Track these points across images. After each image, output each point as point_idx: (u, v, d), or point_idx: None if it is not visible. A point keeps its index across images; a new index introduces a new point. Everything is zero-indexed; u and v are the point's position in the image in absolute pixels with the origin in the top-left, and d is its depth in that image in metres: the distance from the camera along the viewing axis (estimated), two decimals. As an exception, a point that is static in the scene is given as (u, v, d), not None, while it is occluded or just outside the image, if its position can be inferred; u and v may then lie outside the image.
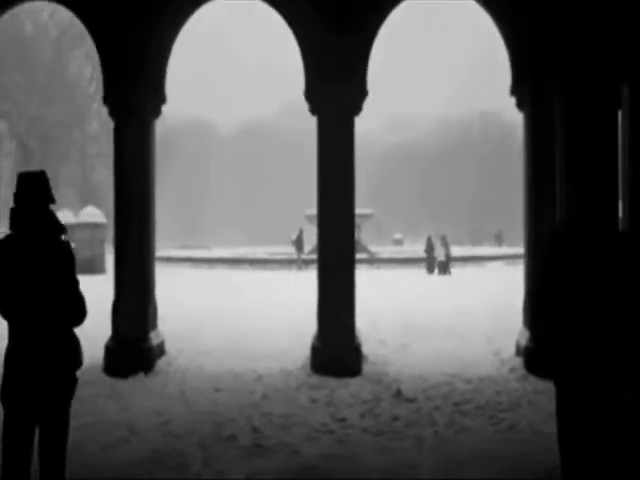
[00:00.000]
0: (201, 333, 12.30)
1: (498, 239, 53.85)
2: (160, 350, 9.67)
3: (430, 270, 29.85)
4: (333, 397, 7.81)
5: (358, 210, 36.81)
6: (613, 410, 4.07)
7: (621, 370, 4.01)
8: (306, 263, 32.22)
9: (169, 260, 38.13)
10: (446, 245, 30.20)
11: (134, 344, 9.20)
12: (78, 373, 4.35)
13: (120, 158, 9.14)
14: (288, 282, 24.65)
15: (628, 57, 8.07)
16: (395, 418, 7.00)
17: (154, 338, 9.48)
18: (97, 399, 7.99)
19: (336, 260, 9.06)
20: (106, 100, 9.15)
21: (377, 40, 9.01)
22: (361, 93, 9.07)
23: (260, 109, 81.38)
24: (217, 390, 8.27)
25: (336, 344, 8.88)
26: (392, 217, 73.72)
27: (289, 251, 36.85)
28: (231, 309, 15.96)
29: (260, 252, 41.30)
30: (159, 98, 9.56)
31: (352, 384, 8.36)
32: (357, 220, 41.19)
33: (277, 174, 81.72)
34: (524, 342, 9.06)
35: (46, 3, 11.63)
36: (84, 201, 58.26)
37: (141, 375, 9.03)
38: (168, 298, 18.58)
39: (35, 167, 49.99)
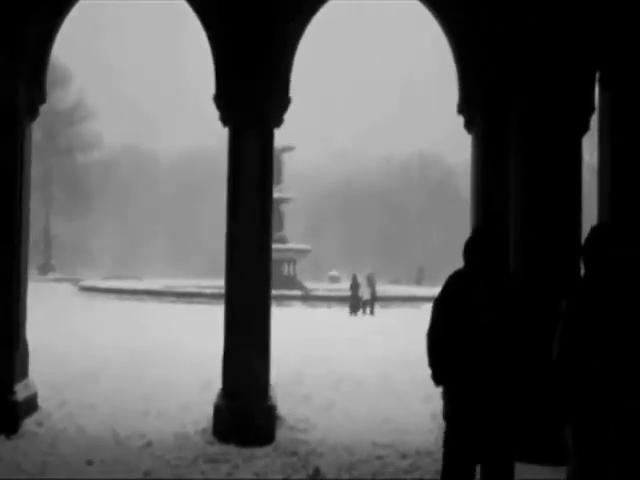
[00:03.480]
0: (94, 380, 10.48)
1: (419, 277, 52.52)
2: (30, 405, 7.86)
3: (354, 310, 27.79)
4: (234, 476, 6.18)
5: (294, 245, 35.30)
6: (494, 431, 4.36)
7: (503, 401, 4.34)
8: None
9: (89, 290, 35.91)
10: (372, 284, 28.31)
11: (-6, 398, 7.39)
12: None
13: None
14: (211, 318, 22.82)
15: (600, 59, 6.88)
16: (309, 511, 5.42)
17: (21, 391, 7.67)
18: None
19: (249, 298, 7.49)
20: None
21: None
22: (283, 99, 7.65)
23: (201, 137, 79.60)
24: (90, 463, 6.54)
25: (244, 404, 7.25)
26: (330, 254, 72.42)
27: (218, 284, 34.94)
28: (139, 349, 14.12)
29: (191, 285, 39.09)
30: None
31: (261, 456, 6.74)
32: (293, 255, 39.65)
33: (215, 204, 79.71)
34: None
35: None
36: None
37: (1, 438, 7.24)
38: (72, 334, 16.80)
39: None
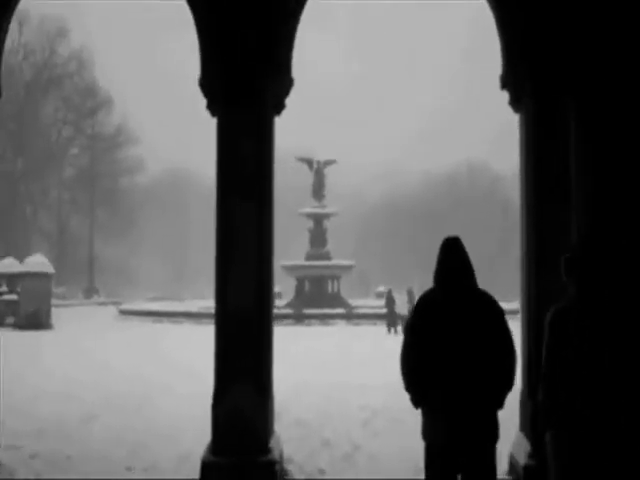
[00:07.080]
0: (87, 420, 9.08)
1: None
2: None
3: (390, 329, 25.31)
4: None
5: (337, 261, 33.22)
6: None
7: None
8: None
9: (129, 313, 34.92)
10: (412, 298, 25.55)
11: None
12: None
13: None
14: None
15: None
16: None
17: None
18: None
19: (244, 322, 5.99)
20: None
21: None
22: (285, 81, 6.17)
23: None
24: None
25: (236, 459, 5.71)
26: (379, 270, 70.55)
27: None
28: (155, 379, 12.76)
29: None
30: None
31: (255, 531, 5.21)
32: (336, 272, 37.80)
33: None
34: (522, 458, 5.97)
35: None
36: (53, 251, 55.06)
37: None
38: (91, 362, 15.62)
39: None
